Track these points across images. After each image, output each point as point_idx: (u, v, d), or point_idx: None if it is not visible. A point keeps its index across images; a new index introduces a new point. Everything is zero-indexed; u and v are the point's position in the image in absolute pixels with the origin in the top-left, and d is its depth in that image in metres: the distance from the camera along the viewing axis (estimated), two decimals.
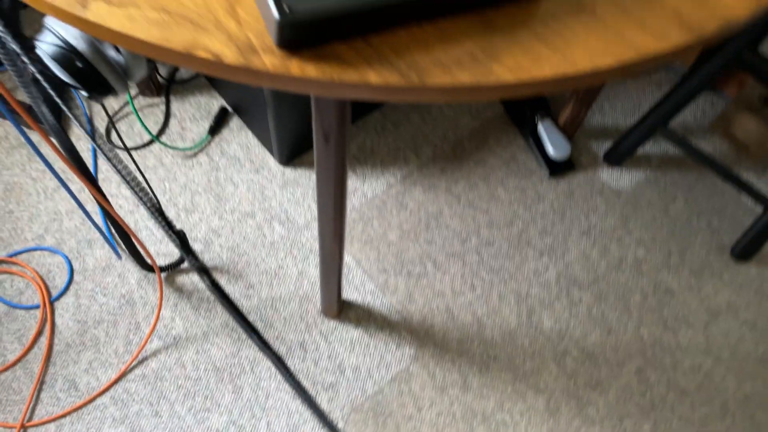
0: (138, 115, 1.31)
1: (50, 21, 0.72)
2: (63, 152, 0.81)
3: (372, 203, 1.36)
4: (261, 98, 1.23)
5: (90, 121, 1.41)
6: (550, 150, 1.39)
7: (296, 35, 0.47)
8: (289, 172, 1.39)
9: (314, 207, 1.35)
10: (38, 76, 0.70)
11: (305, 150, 1.41)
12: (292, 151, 1.38)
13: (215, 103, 1.46)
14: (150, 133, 1.39)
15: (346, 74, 0.48)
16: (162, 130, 1.42)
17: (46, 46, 0.69)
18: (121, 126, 1.42)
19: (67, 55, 0.69)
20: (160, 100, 1.45)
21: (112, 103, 1.45)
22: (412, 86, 0.48)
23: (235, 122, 1.44)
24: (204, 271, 1.21)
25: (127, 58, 0.75)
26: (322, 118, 0.73)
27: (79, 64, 0.70)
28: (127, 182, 0.87)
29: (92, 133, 0.72)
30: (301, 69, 0.48)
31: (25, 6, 1.46)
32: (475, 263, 1.31)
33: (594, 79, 0.51)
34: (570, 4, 0.54)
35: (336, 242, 0.96)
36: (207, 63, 0.49)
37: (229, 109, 1.46)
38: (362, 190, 1.37)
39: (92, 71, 0.71)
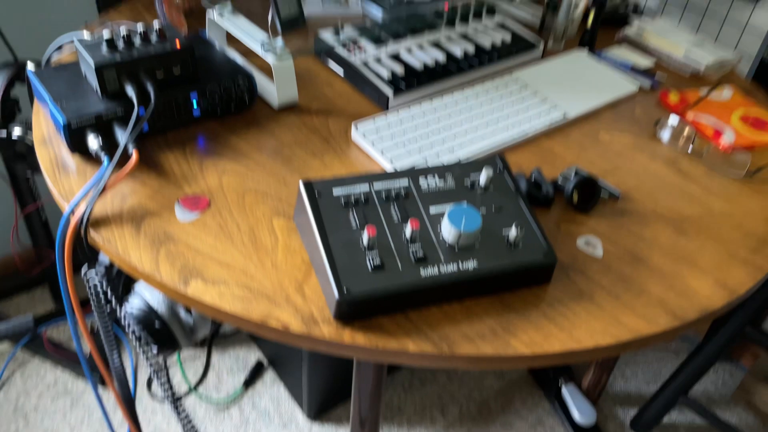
0: (181, 367, 1.41)
1: (140, 286, 0.87)
2: (123, 403, 0.89)
3: None
4: (298, 353, 1.33)
5: (135, 369, 1.51)
6: (576, 415, 1.42)
7: (351, 311, 0.59)
8: (317, 428, 1.42)
9: None
10: (127, 332, 0.82)
11: (334, 405, 1.46)
12: (322, 405, 1.43)
13: (252, 356, 1.56)
14: (189, 384, 1.47)
15: (388, 343, 0.58)
16: (200, 381, 1.50)
17: (132, 308, 0.82)
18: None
19: (150, 317, 0.82)
20: (202, 351, 1.56)
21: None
22: (443, 355, 0.58)
23: (269, 375, 1.52)
24: None
25: (196, 319, 0.88)
26: (358, 399, 0.81)
27: (157, 325, 0.82)
28: None
29: (172, 395, 0.81)
30: (352, 338, 0.59)
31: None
32: None
33: (596, 354, 0.61)
34: (572, 291, 0.65)
35: None
36: (277, 332, 0.60)
37: (265, 362, 1.55)
38: None
39: (166, 331, 0.83)
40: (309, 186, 0.66)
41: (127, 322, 0.80)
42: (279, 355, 1.47)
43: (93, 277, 0.72)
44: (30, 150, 1.21)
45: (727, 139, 0.90)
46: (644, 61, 1.10)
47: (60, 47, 0.95)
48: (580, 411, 1.42)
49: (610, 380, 1.57)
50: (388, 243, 0.62)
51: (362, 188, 0.67)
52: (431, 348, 0.59)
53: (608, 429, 1.45)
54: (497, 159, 0.72)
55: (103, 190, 0.71)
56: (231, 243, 0.68)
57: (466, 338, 0.60)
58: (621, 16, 1.23)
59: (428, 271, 0.61)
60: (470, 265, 0.62)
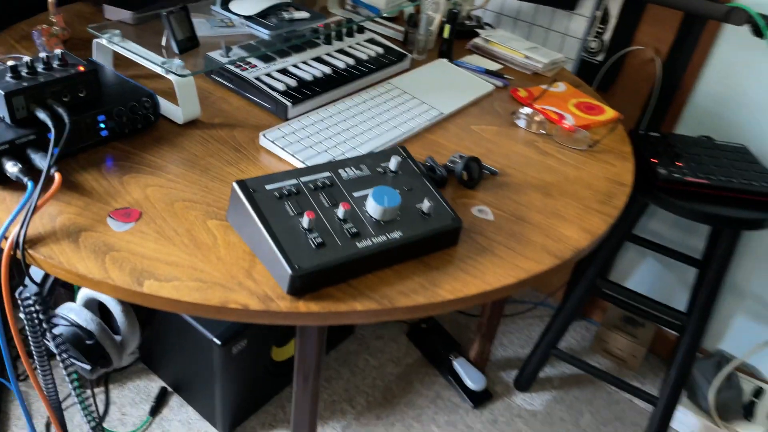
0: (83, 406, 1.36)
1: (63, 310, 0.87)
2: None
3: None
4: (208, 372, 1.35)
5: (30, 417, 1.42)
6: (469, 383, 1.58)
7: (302, 285, 0.67)
8: None
9: None
10: (55, 351, 0.81)
11: (247, 417, 1.48)
12: (235, 419, 1.45)
13: (153, 385, 1.54)
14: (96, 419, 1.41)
15: (339, 307, 0.68)
16: (102, 418, 1.45)
17: (61, 329, 0.82)
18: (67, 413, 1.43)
19: (80, 335, 0.83)
20: (99, 390, 1.51)
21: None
22: (386, 309, 0.69)
23: (175, 400, 1.51)
24: None
25: (125, 334, 0.89)
26: (303, 360, 0.88)
27: (89, 342, 0.83)
28: None
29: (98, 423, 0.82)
30: (307, 307, 0.67)
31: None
32: None
33: (505, 292, 0.74)
34: (476, 249, 0.79)
35: None
36: (238, 312, 0.66)
37: (169, 388, 1.53)
38: None
39: (98, 347, 0.84)
40: (243, 184, 0.73)
41: (57, 343, 0.80)
42: (184, 378, 1.46)
43: (27, 296, 0.73)
44: None
45: (568, 121, 1.11)
46: (494, 66, 1.30)
47: None
48: (471, 379, 1.58)
49: (492, 350, 1.76)
50: (324, 224, 0.72)
51: (291, 182, 0.75)
52: (376, 305, 0.69)
53: (497, 391, 1.64)
54: (399, 149, 0.84)
55: (34, 211, 0.72)
56: (173, 245, 0.73)
57: (402, 294, 0.70)
58: (469, 28, 1.42)
59: (363, 244, 0.71)
60: (396, 234, 0.73)
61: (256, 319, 0.67)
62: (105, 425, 1.43)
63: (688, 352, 1.40)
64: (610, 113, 1.16)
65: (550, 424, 1.58)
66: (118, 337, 0.88)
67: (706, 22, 1.39)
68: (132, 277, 0.68)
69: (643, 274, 1.77)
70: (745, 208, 1.22)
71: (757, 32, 1.27)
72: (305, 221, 0.70)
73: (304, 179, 0.76)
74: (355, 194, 0.76)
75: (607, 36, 1.53)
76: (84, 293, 0.91)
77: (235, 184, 0.73)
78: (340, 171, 0.79)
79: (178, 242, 0.73)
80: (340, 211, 0.73)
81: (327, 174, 0.78)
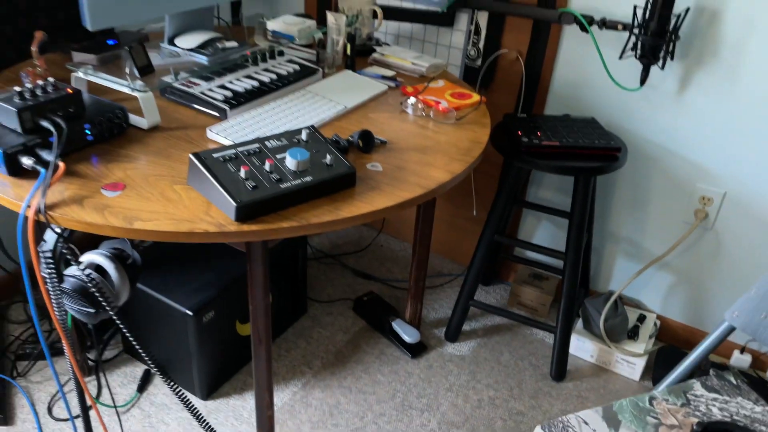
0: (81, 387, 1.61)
1: (70, 270, 1.15)
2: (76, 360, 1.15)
3: (283, 409, 1.70)
4: (185, 349, 1.62)
5: (33, 404, 1.65)
6: (406, 338, 1.89)
7: (244, 214, 0.99)
8: (211, 404, 1.70)
9: (236, 424, 1.65)
10: (68, 294, 1.09)
11: (221, 384, 1.75)
12: (211, 386, 1.72)
13: (139, 370, 1.79)
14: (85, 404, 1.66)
15: (271, 226, 0.99)
16: (97, 396, 1.69)
17: (71, 280, 1.11)
18: (62, 404, 1.68)
19: (85, 285, 1.11)
20: (92, 378, 1.76)
21: (49, 387, 1.72)
22: (303, 225, 1.00)
23: (159, 379, 1.77)
24: None
25: (118, 285, 1.18)
26: (256, 319, 1.19)
27: (92, 290, 1.12)
28: None
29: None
30: (249, 228, 0.98)
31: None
32: (375, 431, 1.65)
33: (387, 212, 1.07)
34: (369, 187, 1.12)
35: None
36: (201, 235, 0.97)
37: (155, 371, 1.79)
38: (274, 402, 1.72)
39: (99, 294, 1.13)
40: (196, 154, 1.05)
41: (70, 289, 1.09)
42: (164, 356, 1.73)
43: (50, 239, 1.02)
44: None
45: (443, 105, 1.46)
46: (388, 72, 1.65)
47: None
48: (407, 334, 1.89)
49: (424, 314, 2.08)
50: (256, 175, 1.04)
51: (231, 151, 1.07)
52: (296, 223, 1.00)
53: (430, 344, 1.95)
54: (309, 126, 1.18)
55: (48, 187, 1.02)
56: (150, 202, 1.03)
57: (315, 216, 1.03)
58: (369, 46, 1.78)
59: (284, 185, 1.03)
60: (308, 178, 1.05)
61: (214, 239, 0.98)
62: (98, 405, 1.68)
63: (570, 282, 1.74)
64: (476, 98, 1.53)
65: (476, 364, 1.89)
66: (114, 286, 1.17)
67: (549, 25, 1.78)
68: (125, 221, 0.98)
69: (541, 234, 2.13)
70: (589, 161, 1.60)
71: (583, 29, 1.66)
72: (242, 173, 1.02)
73: (240, 149, 1.08)
74: (278, 156, 1.09)
75: (481, 44, 1.91)
76: (86, 258, 1.18)
77: (191, 155, 1.04)
78: (266, 143, 1.11)
79: (153, 200, 1.04)
80: (267, 166, 1.05)
81: (256, 145, 1.10)
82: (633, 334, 1.91)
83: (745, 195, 1.73)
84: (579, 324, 1.97)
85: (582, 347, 1.93)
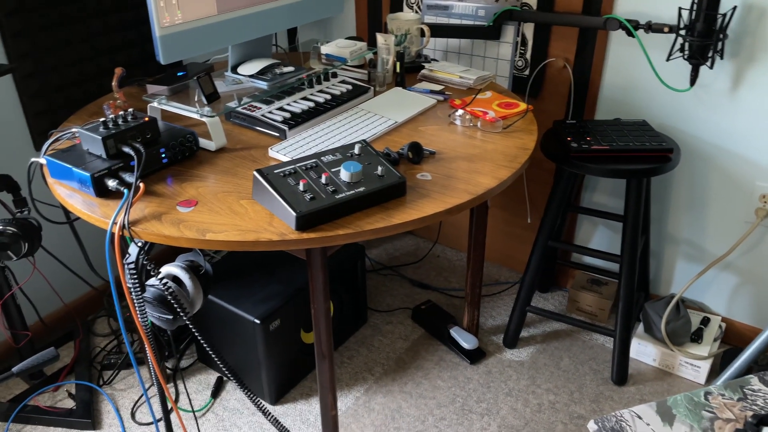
0: (164, 395, 1.73)
1: (151, 281, 1.27)
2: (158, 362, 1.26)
3: (347, 414, 1.77)
4: (254, 356, 1.72)
5: (117, 410, 1.79)
6: (464, 344, 1.93)
7: (303, 223, 1.07)
8: (279, 408, 1.80)
9: (303, 428, 1.73)
10: (149, 303, 1.20)
11: (289, 389, 1.85)
12: (279, 391, 1.81)
13: (211, 377, 1.91)
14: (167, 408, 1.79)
15: (328, 234, 1.07)
16: (176, 401, 1.82)
17: (151, 290, 1.22)
18: (144, 409, 1.81)
19: (163, 295, 1.23)
20: (170, 385, 1.88)
21: (132, 394, 1.86)
22: (357, 231, 1.08)
23: (231, 385, 1.88)
24: None
25: (192, 294, 1.29)
26: (318, 321, 1.27)
27: (170, 298, 1.23)
28: None
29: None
30: (308, 236, 1.07)
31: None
32: None
33: (437, 217, 1.13)
34: (419, 195, 1.19)
35: None
36: (265, 243, 1.06)
37: (228, 376, 1.90)
38: (337, 407, 1.79)
39: (177, 300, 1.24)
40: (259, 170, 1.14)
41: (151, 298, 1.20)
42: (235, 363, 1.84)
43: (133, 252, 1.13)
44: (13, 238, 1.54)
45: (490, 115, 1.51)
46: (437, 87, 1.72)
47: (56, 140, 1.37)
48: (465, 341, 1.93)
49: (482, 321, 2.11)
50: (313, 187, 1.12)
51: (290, 167, 1.16)
52: (351, 230, 1.08)
53: (489, 349, 1.98)
54: (361, 141, 1.26)
55: (131, 206, 1.14)
56: (220, 216, 1.13)
57: (368, 223, 1.10)
58: (418, 63, 1.86)
59: (339, 196, 1.11)
60: (361, 189, 1.13)
61: (277, 247, 1.07)
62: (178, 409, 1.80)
63: (627, 285, 1.74)
64: (522, 106, 1.57)
65: (535, 369, 1.91)
66: (189, 295, 1.28)
67: (595, 31, 1.81)
68: (198, 233, 1.08)
69: (598, 239, 2.13)
70: (640, 163, 1.61)
71: (629, 33, 1.68)
72: (301, 186, 1.11)
73: (298, 165, 1.17)
74: (333, 169, 1.17)
75: (528, 55, 1.95)
76: (164, 270, 1.30)
77: (255, 172, 1.14)
78: (322, 158, 1.20)
79: (223, 214, 1.14)
80: (323, 179, 1.13)
81: (313, 160, 1.19)
82: (697, 337, 1.88)
83: None
84: (640, 328, 1.95)
85: (644, 351, 1.92)
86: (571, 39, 1.87)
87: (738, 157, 1.76)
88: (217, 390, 1.86)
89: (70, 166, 1.21)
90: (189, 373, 1.94)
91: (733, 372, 1.14)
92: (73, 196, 1.21)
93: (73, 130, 1.33)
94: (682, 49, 1.64)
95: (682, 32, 1.61)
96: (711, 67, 1.62)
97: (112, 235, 1.11)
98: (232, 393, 1.86)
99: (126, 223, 1.11)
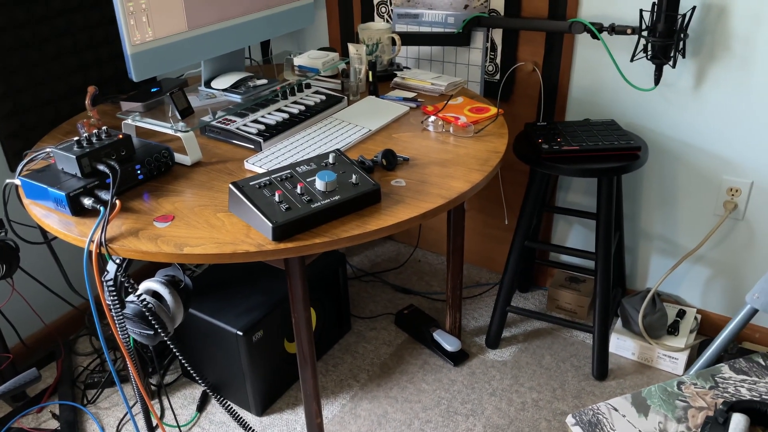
0: (150, 413, 1.73)
1: (130, 297, 1.27)
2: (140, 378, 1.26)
3: (333, 421, 1.78)
4: (238, 370, 1.73)
5: (102, 428, 1.78)
6: (447, 347, 1.95)
7: (280, 233, 1.09)
8: (266, 419, 1.80)
9: None
10: (129, 319, 1.21)
11: (273, 400, 1.85)
12: (264, 403, 1.82)
13: (195, 391, 1.91)
14: (151, 425, 1.78)
15: (304, 243, 1.09)
16: (161, 417, 1.81)
17: (131, 306, 1.23)
18: (129, 427, 1.80)
19: (142, 311, 1.23)
20: (155, 401, 1.88)
21: (116, 412, 1.85)
22: (334, 240, 1.10)
23: (215, 401, 1.88)
24: None
25: (173, 309, 1.29)
26: (300, 330, 1.28)
27: (149, 314, 1.24)
28: None
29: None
30: (285, 246, 1.08)
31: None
32: None
33: (412, 222, 1.16)
34: (394, 202, 1.21)
35: None
36: (243, 254, 1.08)
37: (209, 392, 1.90)
38: (323, 414, 1.80)
39: (156, 318, 1.24)
40: (235, 183, 1.16)
41: (131, 314, 1.20)
42: (219, 378, 1.84)
43: (111, 269, 1.14)
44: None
45: (462, 120, 1.54)
46: (409, 94, 1.75)
47: (31, 160, 1.37)
48: (448, 344, 1.95)
49: (464, 323, 2.14)
50: (289, 198, 1.14)
51: (265, 178, 1.18)
52: (327, 239, 1.10)
53: (472, 351, 2.00)
54: (335, 150, 1.28)
55: (107, 223, 1.14)
56: (197, 229, 1.15)
57: (344, 231, 1.12)
58: (391, 72, 1.88)
59: (315, 205, 1.13)
60: (336, 197, 1.15)
61: (255, 258, 1.08)
62: (163, 425, 1.80)
63: (602, 281, 1.78)
64: (493, 110, 1.60)
65: (518, 368, 1.94)
66: (169, 311, 1.28)
67: (561, 35, 1.85)
68: (176, 247, 1.09)
69: (574, 238, 2.17)
70: (610, 162, 1.65)
71: (594, 36, 1.73)
72: (276, 197, 1.13)
73: (273, 176, 1.19)
74: (308, 179, 1.19)
75: (498, 60, 1.99)
76: (144, 285, 1.31)
77: (230, 184, 1.15)
78: (297, 168, 1.22)
79: (200, 227, 1.15)
80: (298, 189, 1.15)
81: (288, 171, 1.21)
82: (673, 330, 1.92)
83: None
84: (618, 323, 1.99)
85: (623, 345, 1.95)
86: (539, 43, 1.91)
87: (704, 152, 1.81)
88: (202, 404, 1.86)
89: (45, 186, 1.21)
90: (174, 388, 1.93)
91: (704, 361, 1.17)
92: (50, 216, 1.21)
93: (47, 150, 1.33)
94: (645, 50, 1.68)
95: (645, 33, 1.66)
96: (674, 67, 1.67)
97: (90, 252, 1.12)
98: (218, 407, 1.86)
99: (103, 240, 1.11)
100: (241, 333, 1.65)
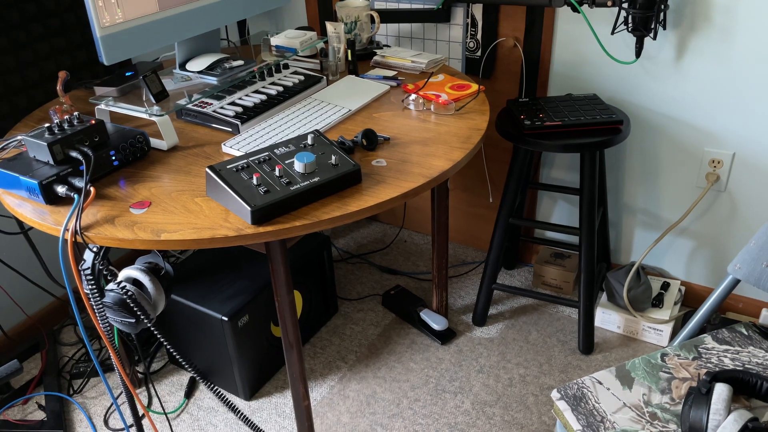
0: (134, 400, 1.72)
1: (110, 285, 1.25)
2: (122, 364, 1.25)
3: (322, 403, 1.78)
4: (225, 355, 1.72)
5: (90, 418, 1.77)
6: (434, 326, 1.95)
7: (259, 217, 1.07)
8: (254, 403, 1.80)
9: (279, 420, 1.74)
10: (110, 308, 1.19)
11: (262, 384, 1.85)
12: (252, 388, 1.81)
13: (183, 378, 1.90)
14: (140, 411, 1.77)
15: (284, 226, 1.07)
16: (148, 405, 1.80)
17: (111, 294, 1.21)
18: (117, 416, 1.79)
19: (123, 298, 1.21)
20: (142, 389, 1.87)
21: (104, 401, 1.84)
22: (314, 222, 1.08)
23: (203, 387, 1.87)
24: None
25: (155, 296, 1.27)
26: (283, 313, 1.27)
27: (131, 303, 1.22)
28: None
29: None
30: (265, 229, 1.07)
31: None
32: (411, 416, 1.72)
33: (393, 202, 1.14)
34: (375, 182, 1.19)
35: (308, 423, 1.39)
36: (222, 239, 1.06)
37: (197, 377, 1.89)
38: (312, 396, 1.80)
39: (137, 305, 1.23)
40: (212, 167, 1.14)
41: (111, 302, 1.19)
42: (206, 364, 1.83)
43: (89, 257, 1.12)
44: None
45: (443, 98, 1.52)
46: (390, 73, 1.73)
47: (2, 149, 1.33)
48: (435, 322, 1.95)
49: (451, 302, 2.14)
50: (267, 180, 1.12)
51: (243, 161, 1.16)
52: (308, 221, 1.08)
53: (459, 329, 2.01)
54: (314, 131, 1.26)
55: (81, 211, 1.12)
56: (174, 215, 1.12)
57: (324, 213, 1.10)
58: (370, 50, 1.86)
59: (294, 187, 1.11)
60: (316, 179, 1.13)
61: (234, 243, 1.07)
62: (150, 413, 1.79)
63: (587, 256, 1.78)
64: (474, 87, 1.58)
65: (505, 345, 1.95)
66: (150, 298, 1.26)
67: (542, 9, 1.83)
68: (153, 234, 1.07)
69: (559, 214, 2.17)
70: (592, 136, 1.64)
71: (574, 9, 1.71)
72: (254, 180, 1.11)
73: (251, 159, 1.17)
74: (286, 161, 1.17)
75: (479, 36, 1.97)
76: (123, 273, 1.29)
77: (207, 168, 1.13)
78: (275, 150, 1.20)
79: (177, 213, 1.13)
80: (277, 171, 1.13)
81: (266, 153, 1.19)
82: (658, 302, 1.94)
83: (753, 154, 1.74)
84: (603, 297, 2.00)
85: (608, 319, 1.96)
86: (520, 18, 1.88)
87: (686, 124, 1.80)
88: (190, 390, 1.85)
89: (17, 175, 1.18)
90: (161, 375, 1.92)
91: (687, 333, 1.18)
92: (23, 205, 1.19)
93: (18, 138, 1.30)
94: (626, 22, 1.67)
95: (625, 5, 1.64)
96: (654, 38, 1.66)
97: (65, 241, 1.09)
98: (206, 392, 1.85)
99: (78, 228, 1.09)
100: (226, 318, 1.63)
